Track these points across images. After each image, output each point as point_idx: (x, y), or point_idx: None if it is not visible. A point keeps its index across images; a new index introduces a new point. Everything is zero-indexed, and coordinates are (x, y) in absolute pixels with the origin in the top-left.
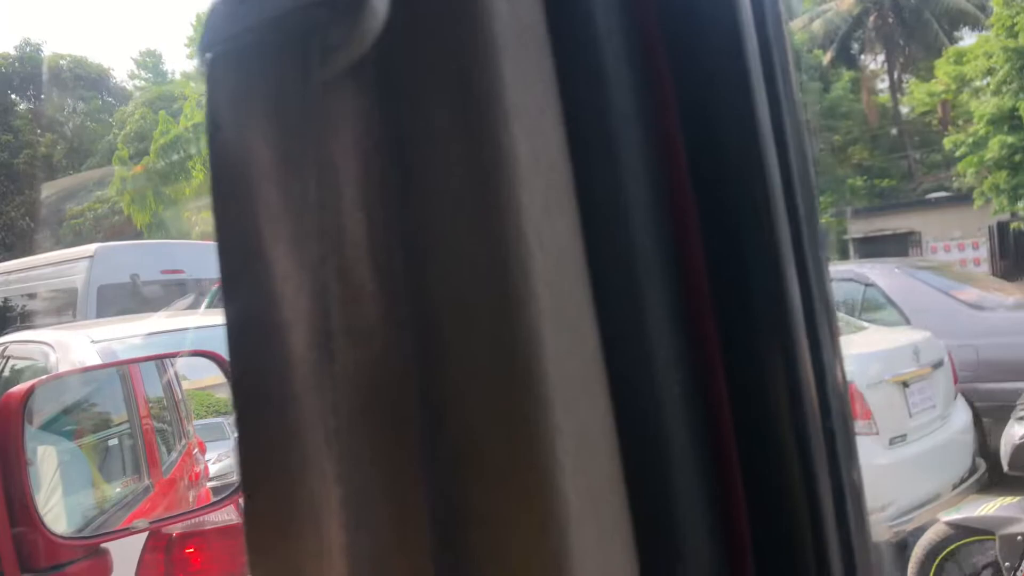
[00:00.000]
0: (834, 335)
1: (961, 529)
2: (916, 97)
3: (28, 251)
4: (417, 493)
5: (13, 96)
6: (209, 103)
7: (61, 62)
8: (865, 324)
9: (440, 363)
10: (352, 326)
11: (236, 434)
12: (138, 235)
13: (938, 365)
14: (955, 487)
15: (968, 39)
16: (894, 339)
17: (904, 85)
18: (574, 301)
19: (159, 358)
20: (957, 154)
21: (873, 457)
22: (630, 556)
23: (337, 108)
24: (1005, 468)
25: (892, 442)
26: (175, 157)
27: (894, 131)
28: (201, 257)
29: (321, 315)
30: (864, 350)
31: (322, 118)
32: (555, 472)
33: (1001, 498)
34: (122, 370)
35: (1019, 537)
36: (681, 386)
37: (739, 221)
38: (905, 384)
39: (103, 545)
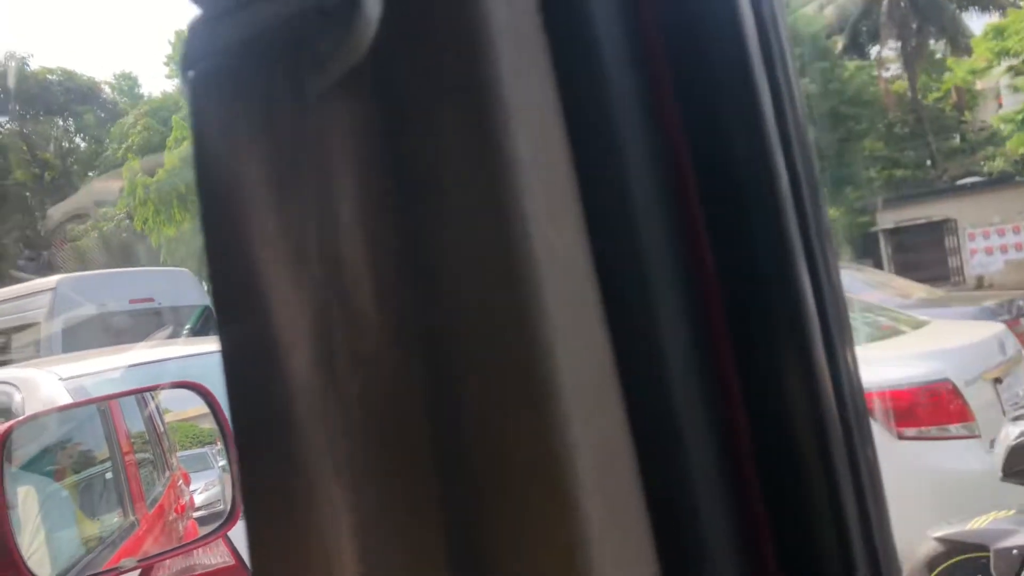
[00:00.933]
0: (847, 333)
1: (952, 545)
2: (957, 75)
3: (23, 279)
4: (433, 520)
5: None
6: (194, 123)
7: (50, 76)
8: (925, 319)
9: (450, 384)
10: (357, 348)
11: (237, 467)
12: (152, 255)
13: (1018, 358)
14: None
15: (976, 20)
16: (976, 332)
17: (918, 67)
18: (585, 310)
19: (139, 392)
20: (1005, 132)
21: (977, 463)
22: (651, 571)
23: (332, 120)
24: (1000, 475)
25: (993, 445)
26: None
27: (909, 119)
28: (172, 284)
29: (323, 338)
30: (951, 344)
31: (317, 132)
32: (577, 492)
33: (994, 512)
34: (102, 406)
35: (1015, 551)
36: (696, 392)
37: (746, 217)
38: (998, 380)
39: None
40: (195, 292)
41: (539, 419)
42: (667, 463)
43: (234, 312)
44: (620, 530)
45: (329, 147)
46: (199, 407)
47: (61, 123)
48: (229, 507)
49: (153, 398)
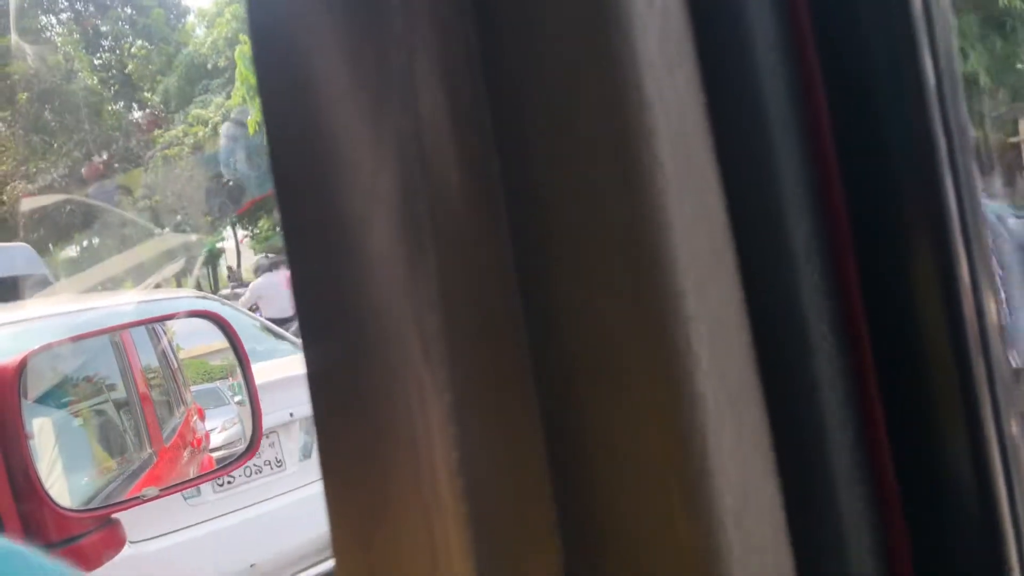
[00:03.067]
0: (983, 238)
1: None
2: None
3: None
4: (531, 401)
5: (53, 17)
6: None
7: None
8: None
9: (546, 253)
10: (442, 217)
11: (303, 358)
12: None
13: None
14: None
15: None
16: None
17: None
18: (699, 169)
19: (154, 321)
20: None
21: None
22: (769, 463)
23: None
24: None
25: None
26: None
27: None
28: (9, 258)
29: (407, 201)
30: None
31: None
32: (691, 368)
33: None
34: (115, 338)
35: None
36: (817, 273)
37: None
38: None
39: (113, 516)
40: (33, 265)
41: (646, 289)
42: (783, 345)
43: (300, 176)
44: (737, 415)
45: None
46: (209, 344)
47: (121, 24)
48: (248, 440)
49: (166, 332)
